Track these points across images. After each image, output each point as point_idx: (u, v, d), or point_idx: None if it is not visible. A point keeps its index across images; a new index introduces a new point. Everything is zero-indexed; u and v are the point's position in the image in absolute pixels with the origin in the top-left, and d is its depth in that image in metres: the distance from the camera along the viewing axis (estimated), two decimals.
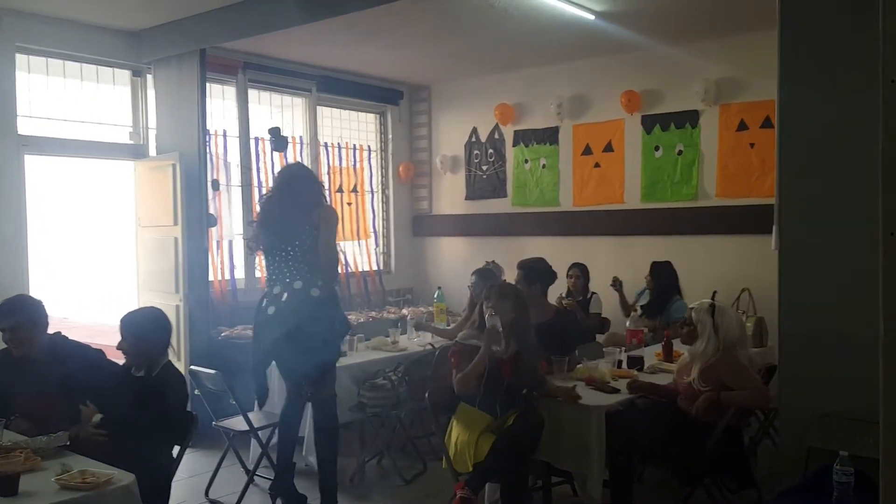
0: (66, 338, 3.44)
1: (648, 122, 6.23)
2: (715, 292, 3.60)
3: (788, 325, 3.10)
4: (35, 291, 5.12)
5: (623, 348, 4.40)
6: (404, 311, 6.38)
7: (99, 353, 3.48)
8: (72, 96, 5.51)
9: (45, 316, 3.35)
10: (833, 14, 2.96)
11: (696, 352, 3.52)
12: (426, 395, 3.75)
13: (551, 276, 4.50)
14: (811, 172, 3.04)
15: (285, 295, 3.67)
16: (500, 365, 3.47)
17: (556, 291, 5.24)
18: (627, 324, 4.79)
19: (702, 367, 3.46)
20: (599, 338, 5.29)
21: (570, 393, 3.52)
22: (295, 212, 3.71)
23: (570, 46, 6.05)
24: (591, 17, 5.12)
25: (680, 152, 6.08)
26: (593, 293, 5.66)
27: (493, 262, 6.08)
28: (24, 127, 5.16)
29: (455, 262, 7.38)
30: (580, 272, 5.69)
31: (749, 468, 3.56)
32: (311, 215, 3.70)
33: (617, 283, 5.69)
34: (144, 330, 3.21)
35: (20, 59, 5.11)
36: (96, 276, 8.11)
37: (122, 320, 3.24)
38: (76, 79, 5.51)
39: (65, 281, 7.22)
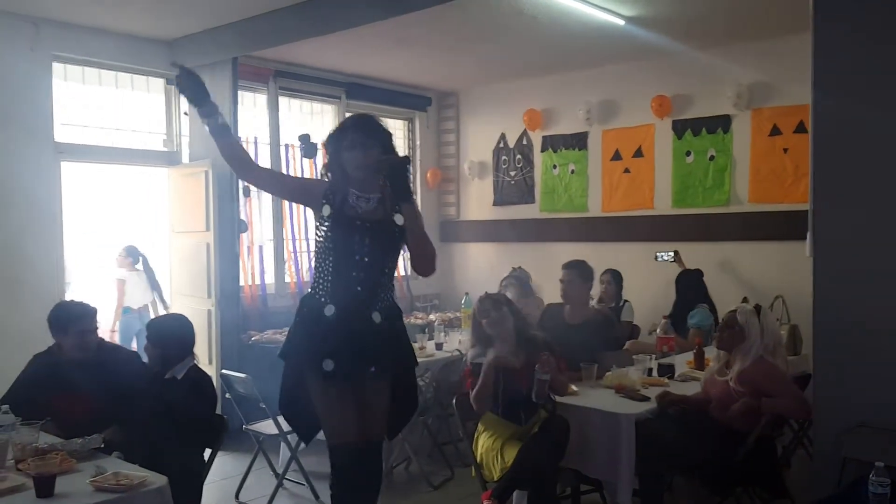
0: (104, 340, 3.52)
1: (679, 127, 6.18)
2: (745, 298, 3.57)
3: (823, 332, 3.05)
4: (70, 295, 5.23)
5: (654, 356, 4.36)
6: (431, 317, 6.39)
7: (134, 355, 3.57)
8: (107, 104, 5.62)
9: None
10: (867, 16, 2.92)
11: (742, 352, 3.44)
12: (453, 401, 3.75)
13: (594, 279, 4.66)
14: (846, 177, 2.99)
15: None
16: (515, 375, 3.47)
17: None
18: (658, 331, 4.74)
19: (741, 368, 3.41)
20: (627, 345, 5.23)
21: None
22: None
23: (599, 51, 6.02)
24: (621, 22, 5.10)
25: (712, 157, 6.02)
26: (625, 301, 5.61)
27: (520, 267, 6.07)
28: (61, 134, 5.27)
29: (482, 267, 7.37)
30: (612, 278, 5.64)
31: (782, 478, 3.50)
32: None
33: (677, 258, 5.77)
34: (159, 335, 3.33)
35: (57, 67, 5.23)
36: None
37: (147, 324, 3.41)
38: (111, 87, 5.62)
39: (99, 285, 7.36)
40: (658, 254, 5.91)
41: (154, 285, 6.63)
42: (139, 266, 6.66)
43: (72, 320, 3.30)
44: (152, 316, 6.58)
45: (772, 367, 3.41)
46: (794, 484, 3.66)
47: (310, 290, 2.85)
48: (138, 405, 3.17)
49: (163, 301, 6.68)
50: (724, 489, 3.41)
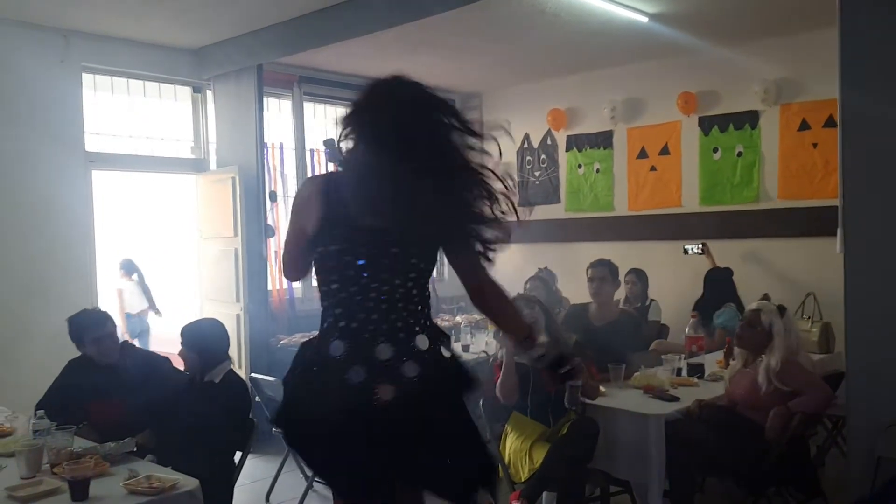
0: (134, 346, 3.59)
1: (706, 124, 6.11)
2: (766, 295, 3.56)
3: (855, 330, 3.00)
4: (103, 303, 5.32)
5: (682, 355, 4.32)
6: (458, 319, 6.39)
7: (165, 361, 3.62)
8: (136, 113, 5.72)
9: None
10: (894, 10, 2.87)
11: (770, 352, 3.42)
12: (480, 403, 3.74)
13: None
14: (875, 172, 2.94)
15: (411, 364, 1.93)
16: (544, 374, 3.45)
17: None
18: (686, 331, 4.69)
19: (774, 369, 3.38)
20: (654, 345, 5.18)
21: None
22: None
23: (623, 49, 5.98)
24: (645, 19, 5.06)
25: (739, 154, 5.94)
26: (652, 300, 5.56)
27: (546, 268, 6.04)
28: (92, 144, 5.36)
29: (507, 268, 7.27)
30: (636, 278, 5.60)
31: (816, 478, 3.45)
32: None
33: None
34: (197, 340, 3.36)
35: (87, 78, 5.32)
36: (160, 287, 8.35)
37: (182, 329, 3.41)
38: (139, 96, 5.71)
39: (108, 293, 7.56)
40: (686, 247, 5.86)
41: (147, 294, 7.38)
42: (135, 277, 7.47)
43: (84, 329, 3.38)
44: (150, 320, 7.22)
45: (795, 362, 3.41)
46: (829, 483, 3.61)
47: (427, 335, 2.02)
48: (169, 409, 3.22)
49: (155, 309, 7.60)
50: (757, 489, 3.37)
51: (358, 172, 1.93)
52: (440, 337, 2.04)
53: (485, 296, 2.12)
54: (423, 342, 1.95)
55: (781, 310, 3.51)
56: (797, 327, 3.54)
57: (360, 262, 1.92)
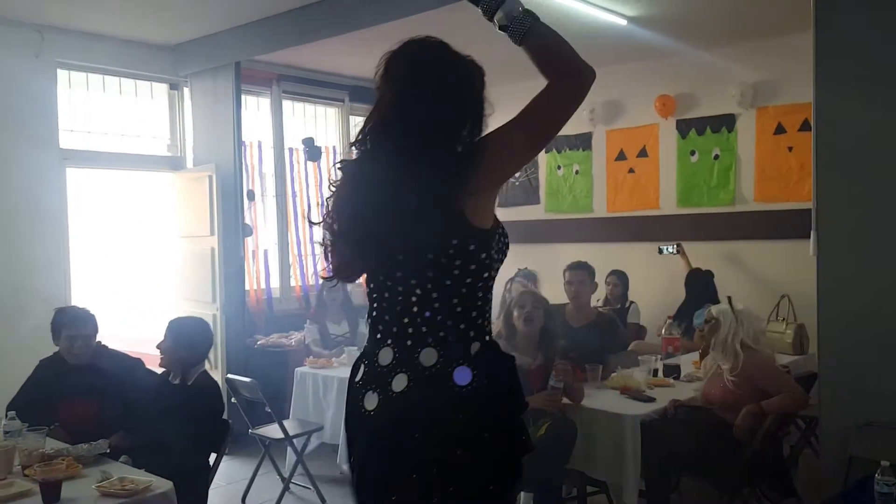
0: (107, 347, 3.54)
1: (684, 127, 6.16)
2: (729, 297, 3.67)
3: (828, 331, 3.04)
4: (76, 302, 5.24)
5: (659, 356, 4.35)
6: None
7: (138, 362, 3.57)
8: (111, 110, 5.65)
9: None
10: (869, 15, 2.91)
11: (720, 343, 3.49)
12: None
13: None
14: (849, 176, 2.98)
15: (402, 377, 1.60)
16: (529, 376, 3.47)
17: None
18: (662, 331, 4.72)
19: (732, 365, 3.43)
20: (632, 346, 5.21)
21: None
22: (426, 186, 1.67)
23: (602, 52, 5.98)
24: (624, 22, 5.09)
25: (716, 156, 6.00)
26: (632, 302, 5.59)
27: (526, 268, 6.06)
28: (66, 141, 5.29)
29: None
30: (618, 280, 5.63)
31: (789, 477, 3.49)
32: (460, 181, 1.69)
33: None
34: (186, 337, 3.31)
35: (61, 74, 5.25)
36: (134, 286, 8.28)
37: (170, 323, 3.37)
38: (115, 93, 5.64)
39: (103, 291, 7.41)
40: (661, 247, 5.90)
41: None
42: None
43: (63, 325, 3.34)
44: None
45: (760, 356, 3.46)
46: (802, 483, 3.65)
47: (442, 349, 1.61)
48: (142, 411, 3.18)
49: None
50: (732, 489, 3.40)
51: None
52: (457, 358, 1.59)
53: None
54: (428, 357, 1.59)
55: (729, 300, 3.65)
56: (753, 317, 3.61)
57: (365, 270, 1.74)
